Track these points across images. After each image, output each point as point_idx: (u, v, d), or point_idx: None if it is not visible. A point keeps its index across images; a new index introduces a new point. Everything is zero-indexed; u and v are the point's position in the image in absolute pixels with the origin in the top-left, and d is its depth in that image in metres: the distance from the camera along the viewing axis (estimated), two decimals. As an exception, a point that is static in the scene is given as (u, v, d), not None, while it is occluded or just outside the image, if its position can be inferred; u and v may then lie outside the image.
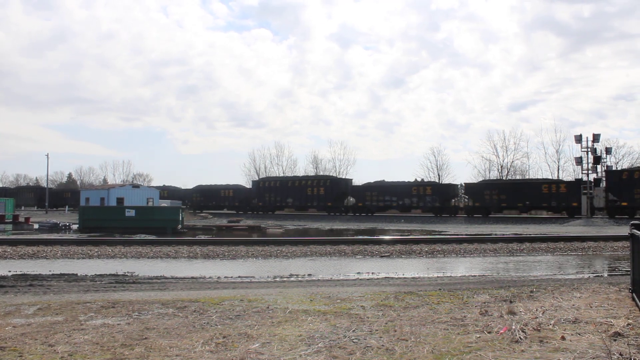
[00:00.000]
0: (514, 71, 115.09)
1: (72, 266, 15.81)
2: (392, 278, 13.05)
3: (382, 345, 5.37)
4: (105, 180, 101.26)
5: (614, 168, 50.03)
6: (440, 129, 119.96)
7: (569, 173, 60.12)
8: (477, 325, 6.24)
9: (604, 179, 44.00)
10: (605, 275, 13.51)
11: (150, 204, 54.47)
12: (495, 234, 29.31)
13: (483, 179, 61.13)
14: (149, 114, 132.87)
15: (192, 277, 13.20)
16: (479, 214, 47.25)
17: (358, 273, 14.41)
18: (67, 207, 65.36)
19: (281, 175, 75.82)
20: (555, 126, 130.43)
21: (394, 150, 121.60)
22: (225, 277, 13.32)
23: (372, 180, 56.03)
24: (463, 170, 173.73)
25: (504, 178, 57.41)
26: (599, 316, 6.63)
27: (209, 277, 13.24)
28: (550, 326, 6.04)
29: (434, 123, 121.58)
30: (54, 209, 69.90)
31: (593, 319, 6.46)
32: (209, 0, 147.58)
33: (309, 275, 13.91)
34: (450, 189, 52.34)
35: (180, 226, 35.74)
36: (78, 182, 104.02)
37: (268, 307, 7.60)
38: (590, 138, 44.25)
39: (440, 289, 9.76)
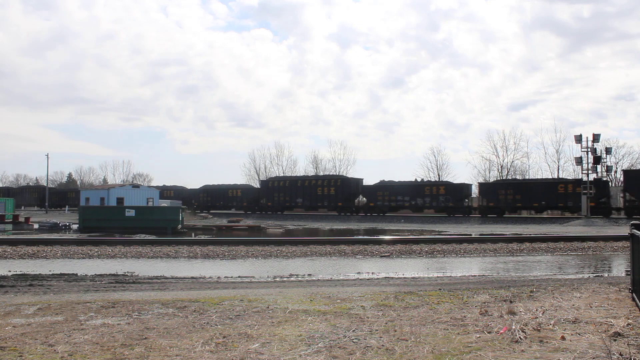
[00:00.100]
0: (513, 71, 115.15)
1: (72, 266, 15.81)
2: (392, 278, 13.05)
3: (382, 345, 5.37)
4: (105, 180, 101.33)
5: (614, 168, 50.03)
6: (439, 129, 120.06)
7: (569, 173, 60.17)
8: (477, 325, 6.24)
9: (621, 178, 43.75)
10: (605, 275, 13.51)
11: (150, 204, 54.48)
12: (496, 234, 29.31)
13: (497, 178, 60.48)
14: (149, 114, 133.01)
15: (192, 277, 13.20)
16: (493, 214, 46.64)
17: (358, 273, 14.41)
18: (67, 207, 65.35)
19: (281, 174, 75.85)
20: (555, 126, 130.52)
21: (393, 150, 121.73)
22: (225, 277, 13.32)
23: (376, 180, 55.77)
24: (463, 170, 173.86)
25: (519, 178, 56.15)
26: (599, 316, 6.63)
27: (209, 277, 13.24)
28: (550, 326, 6.04)
29: (434, 123, 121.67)
30: (57, 209, 69.82)
31: (593, 319, 6.46)
32: (209, 1, 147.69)
33: (309, 275, 13.92)
34: (464, 188, 51.38)
35: (180, 226, 35.73)
36: (78, 182, 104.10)
37: (268, 307, 7.60)
38: (590, 138, 44.24)
39: (440, 289, 9.76)
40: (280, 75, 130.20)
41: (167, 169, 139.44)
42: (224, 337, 5.79)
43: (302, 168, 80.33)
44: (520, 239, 23.42)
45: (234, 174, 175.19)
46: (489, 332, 5.84)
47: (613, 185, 50.89)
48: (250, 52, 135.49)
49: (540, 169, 73.64)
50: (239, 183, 73.28)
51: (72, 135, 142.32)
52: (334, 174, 57.45)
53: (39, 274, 13.58)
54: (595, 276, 13.06)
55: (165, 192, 67.22)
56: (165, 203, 55.00)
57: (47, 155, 69.16)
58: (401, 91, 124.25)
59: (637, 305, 7.14)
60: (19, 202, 72.82)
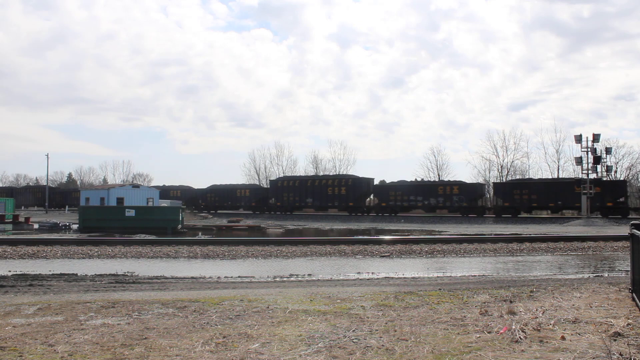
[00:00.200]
0: (513, 71, 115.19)
1: (72, 266, 15.81)
2: (392, 278, 13.05)
3: (382, 345, 5.37)
4: (105, 180, 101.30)
5: (614, 168, 49.99)
6: (439, 129, 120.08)
7: (569, 173, 60.11)
8: (477, 325, 6.24)
9: None
10: (605, 275, 13.50)
11: (150, 204, 54.46)
12: (496, 234, 29.31)
13: (512, 178, 60.10)
14: (149, 114, 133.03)
15: (192, 277, 13.20)
16: (508, 214, 46.24)
17: (358, 273, 14.41)
18: (67, 207, 65.33)
19: (281, 174, 75.79)
20: (555, 126, 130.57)
21: (393, 150, 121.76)
22: (225, 277, 13.32)
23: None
24: (463, 170, 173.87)
25: (534, 178, 55.62)
26: (599, 316, 6.63)
27: (209, 277, 13.24)
28: (550, 326, 6.04)
29: (434, 123, 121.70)
30: (57, 209, 69.77)
31: (593, 319, 6.46)
32: (209, 1, 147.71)
33: (309, 275, 13.91)
34: (478, 188, 51.15)
35: (180, 226, 35.74)
36: (78, 182, 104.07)
37: (268, 307, 7.60)
38: (590, 138, 44.27)
39: (440, 289, 9.76)
40: (280, 75, 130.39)
41: (167, 169, 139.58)
42: (224, 337, 5.79)
43: (302, 168, 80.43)
44: (520, 239, 23.42)
45: (234, 174, 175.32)
46: (489, 332, 5.84)
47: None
48: (250, 52, 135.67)
49: (540, 169, 73.83)
50: (247, 183, 72.94)
51: (72, 135, 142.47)
52: (345, 173, 56.39)
53: (39, 274, 13.58)
54: (595, 276, 13.05)
55: (171, 191, 66.49)
56: (165, 203, 54.96)
57: (47, 155, 69.24)
58: (401, 91, 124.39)
59: (637, 305, 7.14)
60: (24, 202, 72.96)
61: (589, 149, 44.12)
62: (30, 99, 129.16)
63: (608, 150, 50.31)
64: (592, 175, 44.09)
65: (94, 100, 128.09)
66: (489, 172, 67.07)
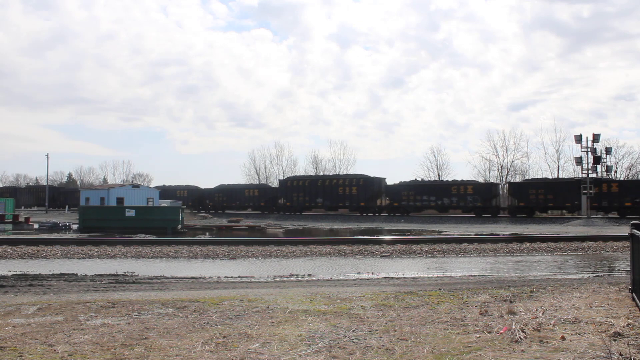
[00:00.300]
0: (513, 71, 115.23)
1: (72, 266, 15.81)
2: (392, 278, 13.05)
3: (382, 345, 5.37)
4: (105, 180, 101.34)
5: (614, 168, 49.92)
6: (439, 129, 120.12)
7: (569, 173, 60.23)
8: (477, 325, 6.24)
9: None
10: (605, 275, 13.51)
11: (150, 204, 54.46)
12: (496, 234, 29.31)
13: (527, 177, 59.71)
14: (149, 114, 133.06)
15: (192, 277, 13.20)
16: (523, 214, 45.80)
17: (358, 273, 14.41)
18: (67, 207, 65.31)
19: (281, 174, 75.81)
20: (555, 126, 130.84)
21: (393, 150, 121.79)
22: (225, 277, 13.32)
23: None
24: (463, 170, 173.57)
25: (550, 177, 54.84)
26: (599, 316, 6.63)
27: (209, 277, 13.24)
28: (550, 326, 6.04)
29: (434, 123, 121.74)
30: (57, 209, 69.75)
31: (593, 319, 6.46)
32: (209, 1, 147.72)
33: (309, 275, 13.91)
34: (492, 188, 50.75)
35: (180, 226, 35.74)
36: (78, 182, 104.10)
37: (268, 307, 7.60)
38: (590, 138, 44.31)
39: (440, 289, 9.76)
40: (280, 75, 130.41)
41: (167, 169, 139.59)
42: (224, 337, 5.79)
43: (302, 168, 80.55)
44: (520, 239, 23.42)
45: (234, 174, 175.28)
46: (489, 332, 5.84)
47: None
48: (250, 52, 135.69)
49: (540, 169, 73.71)
50: (255, 182, 72.59)
51: (72, 135, 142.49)
52: (356, 173, 55.79)
53: (39, 274, 13.58)
54: (595, 276, 13.05)
55: (178, 191, 65.93)
56: (165, 203, 54.97)
57: (47, 155, 69.22)
58: (401, 91, 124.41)
59: (637, 305, 7.14)
60: (21, 202, 72.93)
61: (589, 149, 44.14)
62: (30, 99, 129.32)
63: (608, 150, 50.37)
64: (592, 175, 44.12)
65: (94, 100, 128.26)
66: (489, 172, 67.18)
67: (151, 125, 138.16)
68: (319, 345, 5.43)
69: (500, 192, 54.08)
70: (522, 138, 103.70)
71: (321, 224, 46.14)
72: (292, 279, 13.15)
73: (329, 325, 6.38)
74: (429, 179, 63.25)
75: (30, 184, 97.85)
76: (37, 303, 8.32)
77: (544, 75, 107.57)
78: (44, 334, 6.02)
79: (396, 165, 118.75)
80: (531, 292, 9.04)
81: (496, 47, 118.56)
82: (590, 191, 42.40)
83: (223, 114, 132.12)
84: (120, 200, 53.73)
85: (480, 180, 60.54)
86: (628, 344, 5.18)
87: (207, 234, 35.06)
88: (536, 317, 6.52)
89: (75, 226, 37.17)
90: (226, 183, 64.53)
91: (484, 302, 7.93)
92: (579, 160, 44.64)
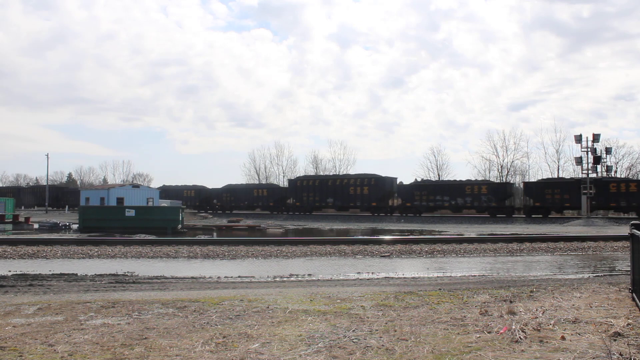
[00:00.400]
0: (513, 71, 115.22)
1: (72, 266, 15.81)
2: (392, 278, 13.05)
3: (382, 345, 5.37)
4: (105, 180, 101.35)
5: (614, 168, 49.84)
6: (439, 129, 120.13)
7: (569, 173, 60.20)
8: (477, 325, 6.24)
9: None
10: (605, 275, 13.51)
11: (150, 204, 54.46)
12: (496, 234, 29.31)
13: (543, 177, 59.47)
14: (149, 114, 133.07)
15: (192, 277, 13.20)
16: (539, 214, 45.30)
17: (358, 273, 14.41)
18: (67, 207, 65.31)
19: (281, 174, 75.83)
20: (555, 126, 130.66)
21: (393, 150, 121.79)
22: (225, 277, 13.32)
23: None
24: (463, 170, 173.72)
25: (566, 177, 54.35)
26: (599, 316, 6.63)
27: (209, 277, 13.24)
28: (550, 326, 6.04)
29: (434, 123, 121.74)
30: (57, 208, 69.76)
31: (593, 319, 6.46)
32: (209, 1, 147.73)
33: (309, 275, 13.91)
34: (507, 187, 50.05)
35: (180, 226, 35.74)
36: (78, 182, 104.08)
37: (268, 307, 7.60)
38: (590, 138, 44.32)
39: (440, 289, 9.76)
40: (280, 75, 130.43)
41: (167, 169, 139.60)
42: (224, 337, 5.79)
43: (302, 168, 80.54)
44: (520, 239, 23.42)
45: (234, 174, 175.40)
46: (489, 332, 5.84)
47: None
48: (250, 52, 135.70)
49: (540, 169, 73.83)
50: (264, 182, 72.23)
51: (72, 135, 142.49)
52: (368, 172, 55.27)
53: (39, 273, 13.58)
54: (595, 276, 13.05)
55: (185, 191, 65.42)
56: (165, 203, 54.98)
57: (47, 155, 69.22)
58: (401, 91, 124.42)
59: (637, 305, 7.14)
60: (25, 203, 72.96)
61: (589, 149, 44.15)
62: (30, 99, 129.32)
63: (608, 150, 50.37)
64: (592, 175, 44.13)
65: (94, 100, 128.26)
66: (489, 172, 67.17)
67: (151, 125, 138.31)
68: (319, 345, 5.43)
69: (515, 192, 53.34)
70: (522, 138, 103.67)
71: (330, 224, 45.50)
72: (292, 279, 13.15)
73: (329, 325, 6.38)
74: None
75: (30, 184, 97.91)
76: (37, 303, 8.32)
77: (544, 75, 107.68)
78: (44, 334, 6.02)
79: (396, 165, 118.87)
80: (531, 292, 9.04)
81: (496, 47, 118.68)
82: (590, 191, 42.38)
83: (223, 114, 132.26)
84: (120, 200, 53.72)
85: (495, 180, 59.63)
86: (628, 344, 5.18)
87: (214, 233, 35.06)
88: (536, 317, 6.52)
89: (75, 226, 37.18)
90: (234, 183, 64.20)
91: (484, 302, 7.93)
92: (579, 160, 44.65)
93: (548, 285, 9.96)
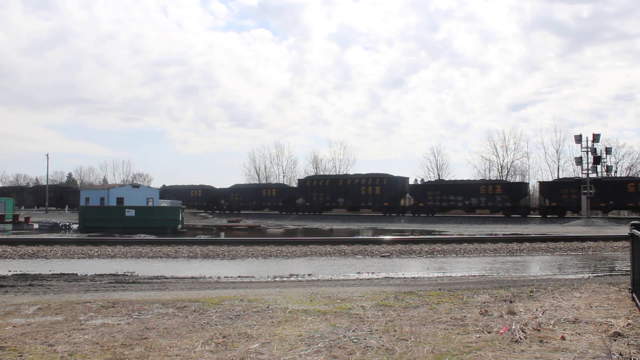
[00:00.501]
0: (513, 71, 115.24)
1: (72, 266, 15.81)
2: (392, 278, 13.05)
3: (382, 345, 5.37)
4: (105, 180, 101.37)
5: (614, 168, 49.76)
6: (439, 129, 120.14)
7: (569, 173, 60.21)
8: (477, 325, 6.24)
9: None
10: (605, 275, 13.50)
11: (150, 204, 54.46)
12: (496, 234, 29.31)
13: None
14: (149, 114, 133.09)
15: (192, 277, 13.20)
16: (555, 214, 44.71)
17: (358, 273, 14.41)
18: (67, 207, 65.31)
19: (281, 174, 75.78)
20: (555, 126, 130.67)
21: (393, 150, 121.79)
22: (225, 277, 13.32)
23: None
24: (463, 170, 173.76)
25: (586, 176, 54.07)
26: (599, 316, 6.63)
27: (209, 277, 13.24)
28: (550, 326, 6.04)
29: (434, 123, 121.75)
30: (57, 208, 69.75)
31: (593, 319, 6.46)
32: (209, 1, 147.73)
33: (309, 275, 13.91)
34: (522, 187, 49.41)
35: (180, 226, 35.74)
36: (78, 182, 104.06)
37: (268, 307, 7.60)
38: (590, 138, 44.32)
39: (440, 289, 9.76)
40: (280, 75, 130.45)
41: (167, 169, 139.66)
42: (224, 337, 5.79)
43: (302, 168, 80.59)
44: (520, 239, 23.42)
45: (234, 174, 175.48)
46: (489, 332, 5.84)
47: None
48: (250, 52, 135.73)
49: (540, 169, 73.84)
50: (273, 182, 71.67)
51: (72, 135, 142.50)
52: (379, 172, 54.75)
53: (39, 273, 13.58)
54: (595, 276, 13.05)
55: (192, 191, 65.10)
56: (165, 203, 54.97)
57: (47, 155, 69.22)
58: (401, 91, 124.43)
59: (637, 305, 7.14)
60: (25, 202, 73.00)
61: (589, 149, 44.15)
62: (30, 99, 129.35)
63: (608, 150, 50.37)
64: (592, 175, 44.14)
65: (94, 100, 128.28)
66: (489, 172, 67.18)
67: (151, 125, 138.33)
68: (319, 345, 5.43)
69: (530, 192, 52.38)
70: (522, 138, 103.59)
71: (340, 225, 44.83)
72: (292, 279, 13.15)
73: (329, 325, 6.38)
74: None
75: (30, 184, 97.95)
76: (37, 303, 8.32)
77: (544, 75, 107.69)
78: (44, 333, 6.02)
79: (396, 165, 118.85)
80: (531, 292, 9.04)
81: (496, 47, 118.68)
82: (590, 191, 42.37)
83: (223, 114, 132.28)
84: (120, 200, 53.73)
85: (509, 180, 58.83)
86: (628, 344, 5.18)
87: (220, 233, 35.05)
88: (536, 317, 6.52)
89: (75, 226, 37.18)
90: (242, 183, 63.91)
91: (484, 302, 7.93)
92: (579, 160, 44.64)
93: (548, 285, 9.96)
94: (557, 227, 38.59)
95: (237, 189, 61.79)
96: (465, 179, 53.71)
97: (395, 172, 53.74)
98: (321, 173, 72.87)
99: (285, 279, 13.12)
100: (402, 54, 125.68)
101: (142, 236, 27.34)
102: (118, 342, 5.61)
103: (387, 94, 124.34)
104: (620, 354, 4.82)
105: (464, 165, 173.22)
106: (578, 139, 44.37)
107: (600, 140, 46.64)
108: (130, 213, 35.71)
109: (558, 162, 65.02)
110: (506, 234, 29.60)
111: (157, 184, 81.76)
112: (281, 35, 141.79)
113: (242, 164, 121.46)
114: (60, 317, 7.03)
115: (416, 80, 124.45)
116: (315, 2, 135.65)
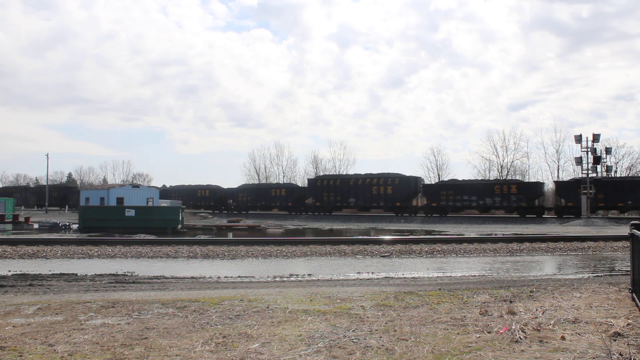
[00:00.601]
0: (513, 71, 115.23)
1: (72, 266, 15.81)
2: (392, 278, 13.05)
3: (382, 345, 5.37)
4: (105, 180, 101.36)
5: (614, 168, 49.64)
6: (439, 129, 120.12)
7: (569, 173, 60.21)
8: (477, 325, 6.24)
9: None
10: (605, 275, 13.51)
11: (150, 204, 54.46)
12: (495, 234, 29.31)
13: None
14: (149, 114, 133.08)
15: (192, 277, 13.20)
16: (571, 214, 43.71)
17: (358, 273, 14.41)
18: (67, 207, 65.31)
19: (281, 174, 75.74)
20: (555, 126, 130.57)
21: (393, 150, 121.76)
22: (225, 277, 13.32)
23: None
24: (463, 170, 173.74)
25: (603, 176, 52.69)
26: (599, 316, 6.63)
27: (209, 277, 13.24)
28: (550, 326, 6.04)
29: (434, 123, 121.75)
30: (57, 208, 69.74)
31: (593, 319, 6.46)
32: (209, 1, 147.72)
33: (309, 275, 13.91)
34: (538, 187, 48.61)
35: (180, 226, 35.74)
36: (78, 182, 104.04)
37: (268, 307, 7.60)
38: (590, 138, 44.31)
39: (440, 289, 9.75)
40: (280, 75, 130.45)
41: (167, 169, 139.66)
42: (224, 337, 5.79)
43: (302, 168, 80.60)
44: (520, 239, 23.41)
45: (234, 174, 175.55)
46: (489, 332, 5.84)
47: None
48: (250, 52, 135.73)
49: (540, 169, 73.84)
50: (281, 182, 71.32)
51: (72, 135, 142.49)
52: (391, 172, 53.99)
53: (39, 273, 13.58)
54: (595, 276, 13.05)
55: (199, 190, 64.58)
56: (165, 203, 54.96)
57: (47, 155, 69.23)
58: (401, 91, 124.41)
59: (637, 305, 7.14)
60: (28, 202, 73.04)
61: (589, 149, 44.15)
62: (30, 99, 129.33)
63: (608, 150, 50.35)
64: (592, 175, 44.12)
65: (94, 100, 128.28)
66: (489, 172, 67.18)
67: (151, 125, 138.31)
68: (319, 345, 5.43)
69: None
70: (522, 138, 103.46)
71: (353, 226, 44.17)
72: (292, 279, 13.15)
73: (329, 325, 6.38)
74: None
75: (31, 184, 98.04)
76: (37, 303, 8.32)
77: (544, 75, 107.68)
78: (44, 333, 6.02)
79: (396, 165, 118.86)
80: (531, 292, 9.04)
81: (496, 47, 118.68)
82: (590, 191, 42.35)
83: (223, 114, 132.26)
84: (120, 200, 53.73)
85: (524, 180, 57.94)
86: (628, 344, 5.18)
87: (203, 234, 35.05)
88: (536, 317, 6.52)
89: (75, 226, 37.17)
90: (250, 182, 63.39)
91: (484, 302, 7.93)
92: (579, 161, 44.63)
93: (548, 285, 9.96)
94: (557, 227, 38.58)
95: (245, 189, 61.26)
96: (479, 178, 53.23)
97: (396, 172, 53.27)
98: (321, 173, 72.88)
99: (285, 279, 13.12)
100: (402, 54, 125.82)
101: (142, 236, 27.34)
102: (118, 342, 5.61)
103: (387, 94, 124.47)
104: (620, 354, 4.82)
105: (464, 165, 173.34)
106: (578, 139, 44.37)
107: (600, 140, 46.65)
108: (130, 213, 35.71)
109: (558, 162, 65.08)
110: (505, 234, 29.60)
111: (157, 183, 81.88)
112: (281, 35, 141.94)
113: (242, 164, 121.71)
114: (60, 317, 7.03)
115: (416, 80, 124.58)
116: (315, 2, 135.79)
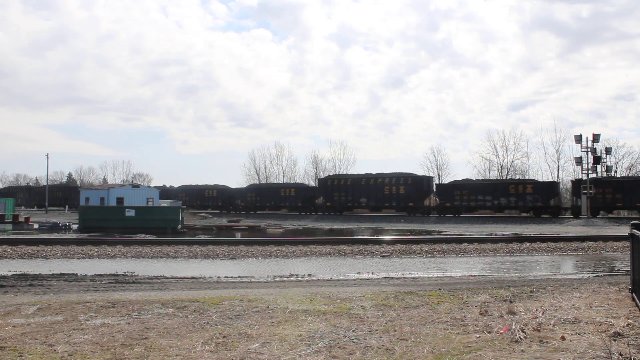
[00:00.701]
0: (513, 71, 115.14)
1: (72, 266, 15.81)
2: (392, 278, 13.05)
3: (382, 345, 5.37)
4: (105, 180, 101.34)
5: (614, 168, 49.59)
6: (439, 129, 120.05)
7: (569, 173, 60.21)
8: (477, 325, 6.24)
9: None
10: (605, 275, 13.51)
11: (150, 204, 54.47)
12: (496, 234, 29.31)
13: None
14: (149, 114, 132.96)
15: (192, 277, 13.20)
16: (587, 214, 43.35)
17: (358, 273, 14.41)
18: (67, 207, 65.30)
19: (281, 174, 75.74)
20: (555, 126, 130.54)
21: (393, 150, 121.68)
22: (225, 277, 13.32)
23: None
24: (463, 170, 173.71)
25: (617, 175, 51.11)
26: (599, 316, 6.63)
27: (209, 277, 13.24)
28: (550, 326, 6.04)
29: (434, 123, 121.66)
30: (57, 208, 69.74)
31: (593, 319, 6.46)
32: (209, 1, 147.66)
33: (309, 275, 13.91)
34: (553, 187, 48.13)
35: (180, 226, 35.75)
36: (78, 182, 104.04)
37: (268, 307, 7.60)
38: (590, 138, 44.34)
39: (440, 289, 9.76)
40: (280, 75, 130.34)
41: (167, 169, 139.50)
42: (224, 337, 5.79)
43: (302, 168, 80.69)
44: (520, 239, 23.42)
45: (234, 174, 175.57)
46: (489, 332, 5.84)
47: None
48: (250, 52, 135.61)
49: (540, 169, 73.85)
50: (291, 182, 71.01)
51: (72, 135, 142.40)
52: (403, 171, 53.34)
53: (39, 273, 13.58)
54: (595, 276, 13.05)
55: (206, 191, 64.11)
56: (165, 203, 54.96)
57: (47, 155, 69.18)
58: (401, 91, 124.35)
59: (637, 305, 7.14)
60: (31, 202, 73.04)
61: (589, 149, 44.16)
62: (30, 99, 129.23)
63: (608, 150, 50.38)
64: (592, 175, 44.13)
65: (94, 100, 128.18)
66: (489, 172, 67.19)
67: (151, 125, 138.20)
68: (319, 345, 5.43)
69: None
70: (522, 138, 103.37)
71: (365, 225, 43.68)
72: (292, 279, 13.15)
73: (329, 325, 6.38)
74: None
75: (31, 184, 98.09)
76: (37, 303, 8.33)
77: (544, 75, 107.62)
78: (44, 334, 6.02)
79: (396, 165, 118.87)
80: (531, 292, 9.04)
81: (496, 47, 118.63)
82: (591, 191, 42.35)
83: (223, 114, 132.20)
84: (120, 200, 53.72)
85: (539, 179, 57.55)
86: (628, 344, 5.18)
87: (203, 234, 35.06)
88: (536, 317, 6.52)
89: (75, 226, 37.18)
90: (259, 182, 62.90)
91: (484, 302, 7.93)
92: (579, 161, 44.65)
93: (548, 285, 9.96)
94: (557, 227, 38.58)
95: (254, 189, 60.68)
96: (493, 178, 52.58)
97: (408, 172, 52.83)
98: (321, 173, 72.96)
99: (285, 279, 13.12)
100: (402, 54, 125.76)
101: (142, 236, 27.35)
102: (118, 342, 5.61)
103: (387, 94, 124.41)
104: (620, 354, 4.82)
105: (464, 165, 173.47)
106: (578, 139, 44.39)
107: (600, 140, 46.69)
108: (130, 213, 35.72)
109: (558, 162, 65.07)
110: (505, 234, 29.60)
111: (157, 183, 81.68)
112: (281, 35, 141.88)
113: (242, 164, 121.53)
114: (60, 317, 7.03)
115: (416, 80, 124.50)
116: (315, 2, 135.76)
